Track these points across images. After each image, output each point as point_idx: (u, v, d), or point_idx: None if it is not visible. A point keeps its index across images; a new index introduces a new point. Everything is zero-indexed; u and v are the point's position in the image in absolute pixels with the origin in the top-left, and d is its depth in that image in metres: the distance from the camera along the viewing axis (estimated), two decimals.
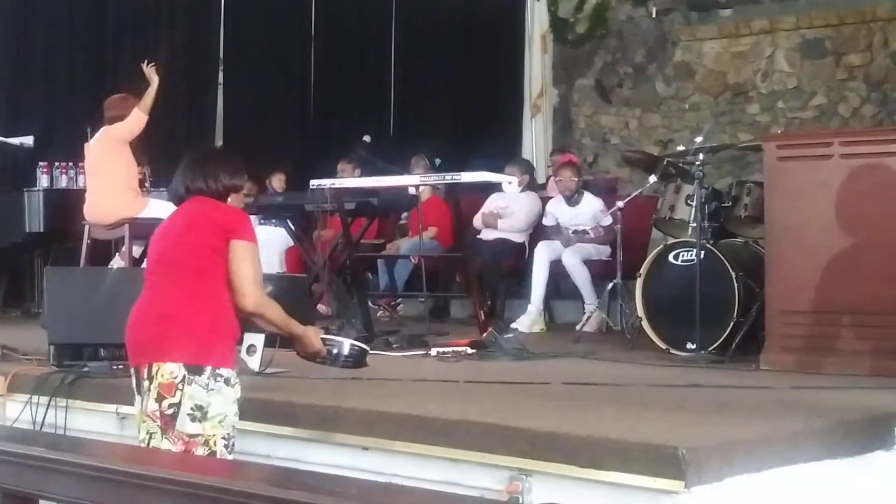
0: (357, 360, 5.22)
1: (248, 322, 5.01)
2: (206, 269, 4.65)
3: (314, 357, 5.07)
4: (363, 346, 5.32)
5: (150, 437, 4.63)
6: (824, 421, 4.83)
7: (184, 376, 4.53)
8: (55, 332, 6.33)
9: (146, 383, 4.60)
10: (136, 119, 8.58)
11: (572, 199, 9.54)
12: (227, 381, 4.60)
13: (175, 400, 4.55)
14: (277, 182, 11.31)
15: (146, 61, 8.85)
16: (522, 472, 4.41)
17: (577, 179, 9.59)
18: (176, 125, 11.57)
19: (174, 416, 4.56)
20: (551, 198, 10.39)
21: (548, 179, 11.32)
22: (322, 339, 5.10)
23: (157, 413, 4.57)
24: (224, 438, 4.60)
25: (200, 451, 4.56)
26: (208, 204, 4.80)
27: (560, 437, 4.39)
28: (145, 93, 8.63)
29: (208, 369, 4.55)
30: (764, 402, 5.44)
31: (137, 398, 4.72)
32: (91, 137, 8.99)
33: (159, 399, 4.56)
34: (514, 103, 13.70)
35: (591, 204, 9.41)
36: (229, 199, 4.88)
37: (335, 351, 5.12)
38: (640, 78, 13.39)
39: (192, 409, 4.54)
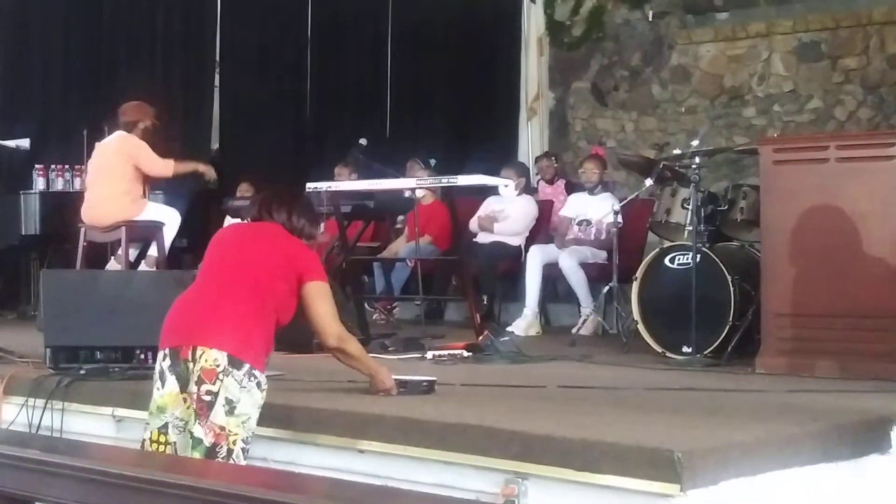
0: (427, 392, 5.53)
1: None
2: (267, 292, 4.86)
3: (385, 392, 5.34)
4: (431, 379, 5.61)
5: (186, 423, 4.74)
6: (820, 424, 4.84)
7: (225, 366, 4.65)
8: (51, 335, 6.33)
9: (189, 365, 4.70)
10: (163, 169, 8.75)
11: (593, 191, 9.68)
12: (258, 385, 4.73)
13: (214, 388, 4.66)
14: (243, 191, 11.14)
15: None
16: (518, 475, 4.40)
17: (598, 172, 9.81)
18: (172, 127, 11.53)
19: (210, 405, 4.66)
20: (548, 201, 10.45)
21: (546, 181, 11.34)
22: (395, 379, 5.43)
23: (195, 395, 4.68)
24: (243, 441, 4.72)
25: (224, 447, 4.65)
26: (287, 239, 5.05)
27: (556, 441, 4.39)
28: (187, 162, 9.03)
29: (246, 366, 4.69)
30: (760, 405, 5.45)
31: (167, 380, 4.78)
32: (86, 141, 9.01)
33: (199, 382, 4.67)
34: (510, 106, 13.69)
35: (605, 201, 9.41)
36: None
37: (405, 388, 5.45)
38: (637, 81, 13.39)
39: (225, 401, 4.65)
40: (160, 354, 4.85)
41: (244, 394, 4.68)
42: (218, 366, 4.65)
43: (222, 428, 4.65)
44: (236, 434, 4.67)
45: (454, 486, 4.48)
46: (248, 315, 4.80)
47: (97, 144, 8.99)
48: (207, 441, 4.64)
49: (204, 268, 5.11)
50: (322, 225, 5.43)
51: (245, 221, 5.32)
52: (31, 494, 3.30)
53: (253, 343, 4.76)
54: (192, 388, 4.68)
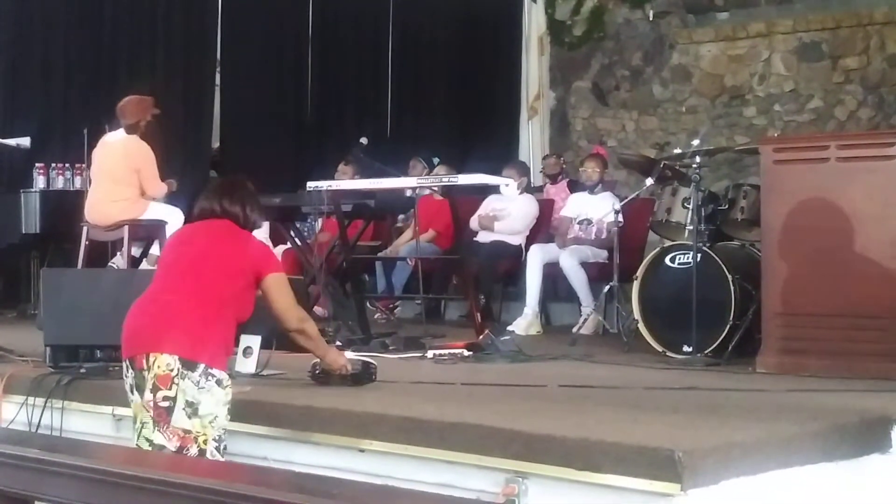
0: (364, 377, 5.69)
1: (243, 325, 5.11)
2: (224, 290, 4.86)
3: (340, 369, 5.53)
4: (372, 363, 5.77)
5: (143, 427, 4.72)
6: (820, 424, 4.84)
7: (178, 369, 4.64)
8: (51, 334, 6.33)
9: (145, 373, 4.69)
10: (156, 191, 8.94)
11: (594, 190, 9.69)
12: (218, 383, 4.71)
13: (171, 393, 4.65)
14: None
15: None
16: (519, 474, 4.40)
17: (599, 171, 9.81)
18: (173, 126, 11.54)
19: (169, 411, 4.65)
20: (549, 200, 10.46)
21: (548, 179, 11.35)
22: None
23: (151, 403, 4.67)
24: (215, 440, 4.70)
25: (193, 449, 4.64)
26: (240, 236, 5.08)
27: (556, 440, 4.39)
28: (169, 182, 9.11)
29: (201, 366, 4.68)
30: (760, 404, 5.45)
31: (132, 395, 4.81)
32: (87, 139, 9.01)
33: (154, 390, 4.66)
34: (511, 106, 13.70)
35: (606, 200, 9.40)
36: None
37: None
38: (638, 81, 13.40)
39: (186, 403, 4.64)
40: (123, 366, 4.89)
41: (204, 394, 4.68)
42: (171, 370, 4.65)
43: (187, 431, 4.65)
44: (205, 434, 4.68)
45: (455, 485, 4.48)
46: (201, 315, 4.79)
47: (101, 142, 8.98)
48: (172, 446, 4.64)
49: (157, 271, 5.18)
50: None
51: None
52: (31, 493, 3.30)
53: (207, 343, 4.75)
54: (148, 395, 4.69)
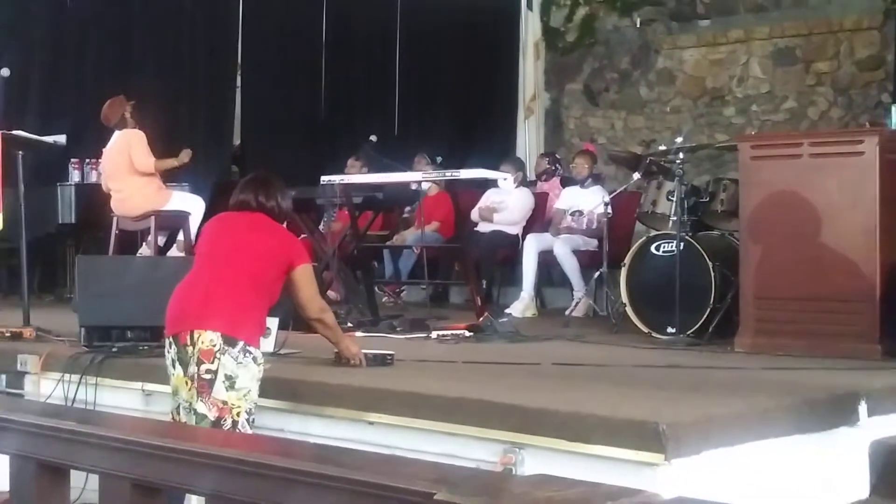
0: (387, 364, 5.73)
1: None
2: (259, 276, 4.93)
3: (353, 357, 5.55)
4: (391, 353, 5.80)
5: (191, 401, 4.77)
6: (793, 399, 4.84)
7: (220, 345, 4.71)
8: (85, 316, 6.33)
9: (188, 349, 4.75)
10: (144, 165, 8.88)
11: (584, 184, 9.64)
12: (254, 359, 4.79)
13: (213, 367, 4.72)
14: None
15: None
16: (515, 445, 4.41)
17: (587, 166, 9.78)
18: (197, 125, 11.56)
19: (211, 383, 4.71)
20: (544, 193, 10.45)
21: (536, 178, 11.31)
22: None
23: (196, 376, 4.73)
24: (247, 413, 4.77)
25: (228, 420, 4.71)
26: (276, 229, 5.17)
27: (550, 414, 4.39)
28: (165, 160, 9.04)
29: (241, 343, 4.75)
30: (738, 381, 5.45)
31: (175, 369, 4.84)
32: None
33: (198, 363, 4.72)
34: (508, 106, 13.68)
35: (596, 193, 9.38)
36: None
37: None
38: (626, 83, 13.38)
39: (225, 377, 4.71)
40: (166, 343, 4.91)
41: (241, 369, 4.74)
42: (214, 346, 4.71)
43: (224, 402, 4.71)
44: (239, 407, 4.74)
45: (457, 455, 4.48)
46: (241, 298, 4.86)
47: (104, 151, 9.09)
48: (211, 416, 4.70)
49: (198, 256, 5.21)
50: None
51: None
52: (67, 462, 3.29)
53: (245, 323, 4.82)
54: (192, 369, 4.74)
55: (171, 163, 9.09)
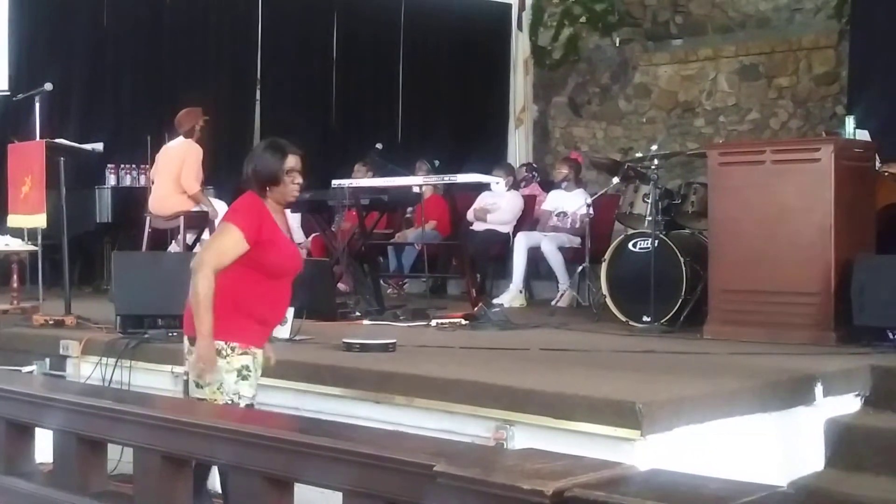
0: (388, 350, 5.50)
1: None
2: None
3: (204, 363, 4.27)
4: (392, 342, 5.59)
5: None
6: (756, 381, 4.85)
7: (188, 347, 4.33)
8: (121, 305, 6.34)
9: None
10: (188, 185, 8.56)
11: (567, 187, 9.63)
12: (218, 352, 4.23)
13: (185, 368, 4.46)
14: None
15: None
16: (507, 422, 4.42)
17: (566, 172, 9.70)
18: (220, 136, 11.50)
19: (185, 384, 4.52)
20: (532, 196, 10.45)
21: (517, 183, 11.28)
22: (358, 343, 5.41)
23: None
24: (233, 404, 4.25)
25: None
26: (231, 209, 4.52)
27: (538, 394, 4.40)
28: (204, 199, 8.74)
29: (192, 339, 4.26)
30: (707, 365, 5.45)
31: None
32: (149, 144, 9.03)
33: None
34: (500, 117, 13.66)
35: (579, 196, 9.37)
36: (270, 191, 4.36)
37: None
38: (606, 96, 13.37)
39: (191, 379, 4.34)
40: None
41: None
42: (185, 349, 4.40)
43: (201, 400, 4.25)
44: (216, 400, 4.24)
45: (454, 430, 4.49)
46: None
47: (163, 148, 8.96)
48: None
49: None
50: (280, 156, 4.31)
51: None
52: (104, 437, 3.31)
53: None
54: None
55: (203, 207, 8.84)
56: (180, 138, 8.79)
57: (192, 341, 4.25)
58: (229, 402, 4.27)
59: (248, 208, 4.36)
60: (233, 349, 4.29)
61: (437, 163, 10.18)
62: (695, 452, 4.20)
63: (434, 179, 8.98)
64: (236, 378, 4.29)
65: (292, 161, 4.39)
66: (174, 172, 8.65)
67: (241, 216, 4.32)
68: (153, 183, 9.02)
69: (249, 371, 4.32)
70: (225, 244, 4.28)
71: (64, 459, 3.34)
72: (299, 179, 4.41)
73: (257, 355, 4.40)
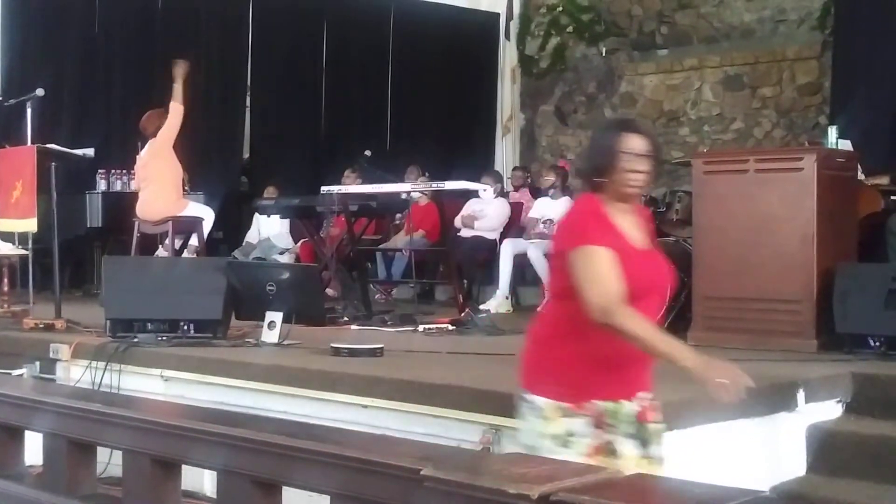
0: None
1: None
2: None
3: None
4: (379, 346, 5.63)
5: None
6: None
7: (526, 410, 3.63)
8: (111, 309, 6.33)
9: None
10: (175, 111, 8.53)
11: (554, 195, 9.65)
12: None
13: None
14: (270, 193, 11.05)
15: (176, 61, 8.72)
16: (493, 427, 4.41)
17: (552, 179, 9.76)
18: (210, 141, 11.55)
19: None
20: (519, 203, 10.46)
21: (514, 187, 11.33)
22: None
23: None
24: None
25: None
26: None
27: None
28: (174, 89, 8.55)
29: None
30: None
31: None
32: (140, 150, 9.03)
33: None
34: (488, 125, 13.70)
35: (565, 204, 9.37)
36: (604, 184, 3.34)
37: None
38: (592, 105, 13.40)
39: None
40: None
41: None
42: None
43: None
44: None
45: (441, 435, 4.49)
46: None
47: (137, 158, 9.01)
48: None
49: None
50: None
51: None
52: (94, 440, 3.29)
53: None
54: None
55: (178, 88, 8.67)
56: (149, 142, 8.79)
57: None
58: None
59: (578, 217, 3.33)
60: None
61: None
62: (679, 457, 4.20)
63: (422, 186, 8.98)
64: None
65: (634, 142, 3.29)
66: (153, 176, 8.63)
67: (581, 230, 3.27)
68: (140, 190, 9.03)
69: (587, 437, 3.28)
70: (599, 269, 3.24)
71: (53, 462, 3.33)
72: (641, 166, 3.30)
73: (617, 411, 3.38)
